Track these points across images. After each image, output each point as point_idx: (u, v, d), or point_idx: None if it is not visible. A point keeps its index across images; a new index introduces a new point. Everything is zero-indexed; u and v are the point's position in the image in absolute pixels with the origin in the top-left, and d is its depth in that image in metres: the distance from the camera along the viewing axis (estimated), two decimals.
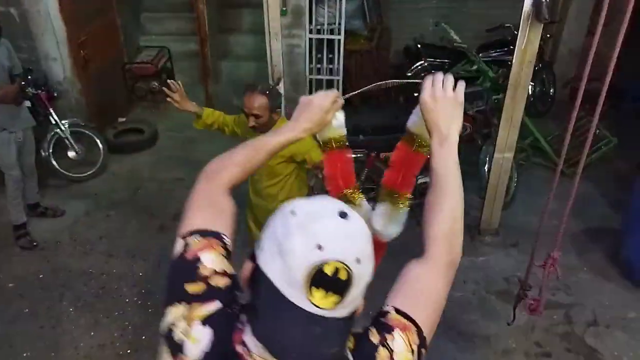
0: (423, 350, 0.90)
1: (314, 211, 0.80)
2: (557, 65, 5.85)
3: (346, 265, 0.75)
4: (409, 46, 5.76)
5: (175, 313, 0.84)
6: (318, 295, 0.74)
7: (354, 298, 0.79)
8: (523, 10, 2.91)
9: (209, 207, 1.02)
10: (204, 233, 0.93)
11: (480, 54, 5.15)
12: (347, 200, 1.43)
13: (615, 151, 4.69)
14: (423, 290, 0.98)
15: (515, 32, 5.17)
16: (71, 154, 4.55)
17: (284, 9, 4.53)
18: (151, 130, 5.32)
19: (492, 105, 3.97)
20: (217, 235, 0.94)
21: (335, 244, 0.75)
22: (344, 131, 1.44)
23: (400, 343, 0.87)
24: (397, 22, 6.09)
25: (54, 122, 4.35)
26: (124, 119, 5.61)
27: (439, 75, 1.17)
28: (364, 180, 3.80)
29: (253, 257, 0.81)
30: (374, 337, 0.87)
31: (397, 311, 0.92)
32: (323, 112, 1.26)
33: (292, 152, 2.55)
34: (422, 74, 5.47)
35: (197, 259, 0.88)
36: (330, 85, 5.06)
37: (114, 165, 4.90)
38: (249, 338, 0.79)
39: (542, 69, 5.41)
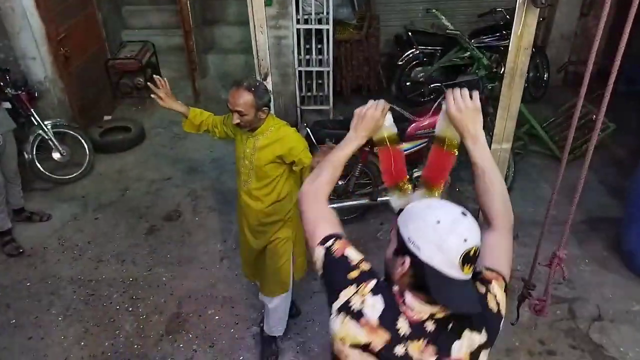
0: (507, 291, 1.34)
1: (452, 219, 1.18)
2: (549, 49, 5.76)
3: (477, 246, 1.17)
4: (399, 34, 5.64)
5: (347, 294, 1.23)
6: (466, 269, 1.17)
7: None
8: None
9: (327, 219, 1.41)
10: (337, 237, 1.33)
11: (473, 40, 5.04)
12: (400, 189, 1.69)
13: (612, 137, 4.62)
14: (501, 251, 1.39)
15: (508, 17, 5.16)
16: (56, 155, 4.40)
17: None
18: (138, 128, 5.17)
19: (487, 94, 3.87)
20: (343, 236, 1.35)
21: (471, 235, 1.17)
22: (395, 129, 1.68)
23: (497, 289, 1.29)
24: (385, 10, 5.94)
25: (36, 123, 4.20)
26: (109, 117, 5.45)
27: (458, 91, 1.50)
28: (358, 175, 3.71)
29: (408, 254, 1.19)
30: (481, 289, 1.28)
31: (488, 269, 1.32)
32: (375, 120, 1.58)
33: (282, 153, 2.45)
34: (414, 62, 5.37)
35: (345, 256, 1.29)
36: (320, 76, 4.94)
37: (100, 166, 4.75)
38: (409, 299, 1.21)
39: (535, 54, 5.30)
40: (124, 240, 3.85)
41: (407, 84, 5.33)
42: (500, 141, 3.25)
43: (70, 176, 4.49)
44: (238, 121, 2.38)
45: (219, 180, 4.60)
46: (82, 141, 4.57)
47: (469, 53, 4.95)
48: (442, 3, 5.87)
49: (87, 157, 4.58)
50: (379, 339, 1.19)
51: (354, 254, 1.30)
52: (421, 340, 1.19)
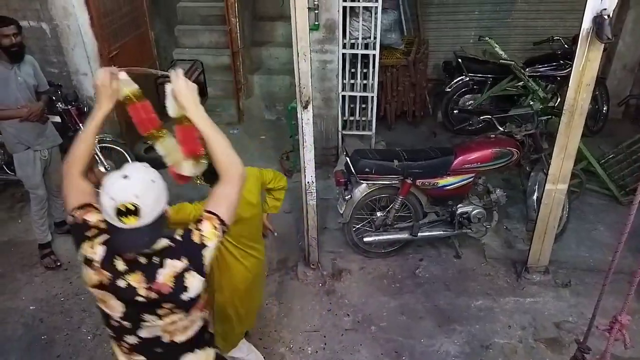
0: (224, 227, 1.63)
1: (111, 182, 1.48)
2: (610, 80, 5.42)
3: (129, 202, 1.44)
4: (448, 60, 5.48)
5: (85, 248, 1.60)
6: (125, 219, 1.45)
7: (150, 211, 1.48)
8: (582, 28, 2.59)
9: (77, 189, 1.72)
10: (82, 206, 1.67)
11: (528, 69, 4.81)
12: (155, 137, 1.94)
13: None
14: (221, 197, 1.66)
15: (566, 46, 4.90)
16: (101, 169, 4.48)
17: (316, 23, 4.35)
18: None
19: (542, 129, 3.64)
20: (89, 205, 1.67)
21: (121, 194, 1.45)
22: (134, 85, 1.88)
23: (207, 225, 1.59)
24: (435, 35, 5.80)
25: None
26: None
27: (175, 74, 1.75)
28: (399, 208, 3.54)
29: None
30: (192, 226, 1.60)
31: (206, 211, 1.62)
32: (107, 87, 1.79)
33: (179, 220, 2.11)
34: (464, 90, 5.18)
35: (85, 219, 1.64)
36: (363, 101, 4.83)
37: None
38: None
39: (594, 85, 5.00)
40: None
41: (455, 112, 5.14)
42: (556, 181, 3.02)
43: None
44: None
45: None
46: (127, 157, 4.64)
47: (522, 83, 4.71)
48: (495, 29, 5.69)
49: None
50: (105, 277, 1.56)
51: (92, 217, 1.63)
52: (137, 272, 1.54)
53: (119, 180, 1.47)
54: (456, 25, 5.81)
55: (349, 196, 3.49)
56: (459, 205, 3.56)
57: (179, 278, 1.55)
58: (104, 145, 4.47)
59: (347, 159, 3.44)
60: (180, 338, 1.69)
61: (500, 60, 4.78)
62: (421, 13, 5.69)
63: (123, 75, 1.84)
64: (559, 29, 5.38)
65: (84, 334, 3.22)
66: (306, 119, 3.09)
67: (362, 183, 3.47)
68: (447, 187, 3.45)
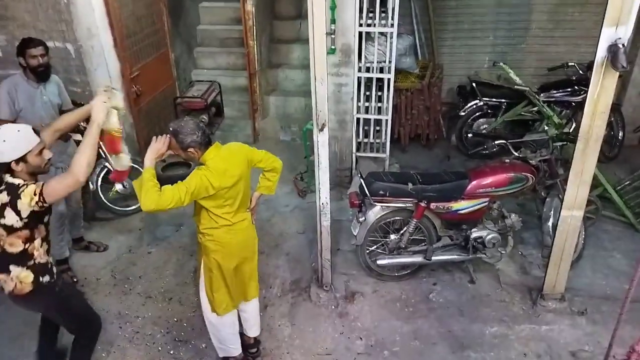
0: (42, 197, 2.23)
1: None
2: (625, 107, 5.42)
3: None
4: (462, 84, 5.53)
5: None
6: None
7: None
8: (597, 56, 2.62)
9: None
10: None
11: (542, 95, 4.83)
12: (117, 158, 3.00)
13: None
14: (57, 180, 2.28)
15: (581, 72, 4.93)
16: (119, 187, 4.56)
17: (333, 47, 4.44)
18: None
19: (557, 154, 3.64)
20: None
21: None
22: (118, 126, 2.79)
23: (33, 188, 2.25)
24: (450, 59, 5.87)
25: (103, 155, 4.39)
26: (172, 153, 5.64)
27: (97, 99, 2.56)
28: (412, 232, 3.55)
29: None
30: (28, 183, 2.28)
31: (43, 183, 2.28)
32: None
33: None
34: (478, 114, 5.21)
35: None
36: (378, 124, 4.88)
37: None
38: None
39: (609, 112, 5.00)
40: (173, 278, 3.88)
41: (469, 135, 5.16)
42: (572, 208, 3.01)
43: (130, 208, 4.64)
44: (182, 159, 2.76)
45: (270, 222, 4.59)
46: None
47: (537, 108, 4.73)
48: (509, 54, 5.75)
49: None
50: None
51: None
52: None
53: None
54: (470, 50, 5.88)
55: (363, 218, 3.51)
56: (473, 230, 3.55)
57: (1, 207, 2.23)
58: None
59: (362, 181, 3.47)
60: (8, 250, 2.33)
61: (515, 86, 4.81)
62: (436, 38, 5.77)
63: (114, 116, 2.71)
64: (573, 55, 5.41)
65: (99, 350, 3.21)
66: (322, 142, 3.14)
67: (376, 205, 3.49)
68: (461, 211, 3.45)
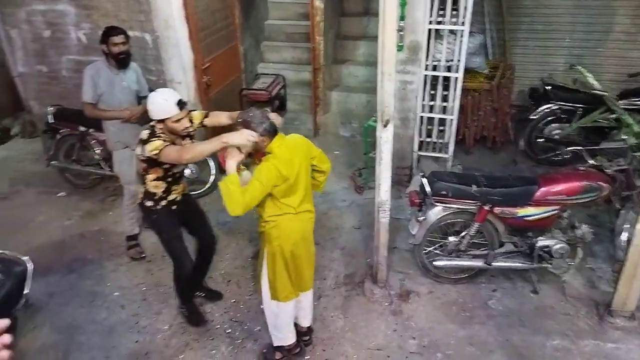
0: (158, 154, 2.79)
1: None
2: None
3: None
4: (535, 87, 5.30)
5: None
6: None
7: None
8: None
9: None
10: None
11: (621, 102, 4.54)
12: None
13: None
14: (170, 151, 2.77)
15: None
16: (187, 171, 4.77)
17: (400, 44, 4.39)
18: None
19: (636, 165, 3.42)
20: None
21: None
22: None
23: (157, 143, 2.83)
24: (522, 60, 5.66)
25: (212, 170, 4.61)
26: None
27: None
28: (473, 235, 3.46)
29: None
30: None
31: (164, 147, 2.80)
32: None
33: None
34: (550, 118, 4.99)
35: None
36: (442, 123, 4.78)
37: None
38: None
39: None
40: (232, 261, 4.01)
41: (539, 140, 4.94)
42: None
43: (196, 192, 4.83)
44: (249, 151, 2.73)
45: (327, 215, 4.62)
46: (208, 161, 4.92)
47: (615, 115, 4.46)
48: (587, 58, 5.46)
49: (212, 176, 4.92)
50: None
51: None
52: None
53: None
54: (545, 52, 5.63)
55: (423, 218, 3.46)
56: (539, 238, 3.40)
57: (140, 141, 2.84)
58: None
59: (424, 179, 3.42)
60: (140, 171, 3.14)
61: (593, 91, 4.56)
62: (508, 38, 5.58)
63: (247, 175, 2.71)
64: None
65: (161, 323, 3.42)
66: (385, 137, 3.13)
67: (437, 206, 3.42)
68: (528, 218, 3.31)
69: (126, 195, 4.02)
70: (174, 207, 3.12)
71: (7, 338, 0.89)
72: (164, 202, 3.06)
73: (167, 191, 3.05)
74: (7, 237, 4.32)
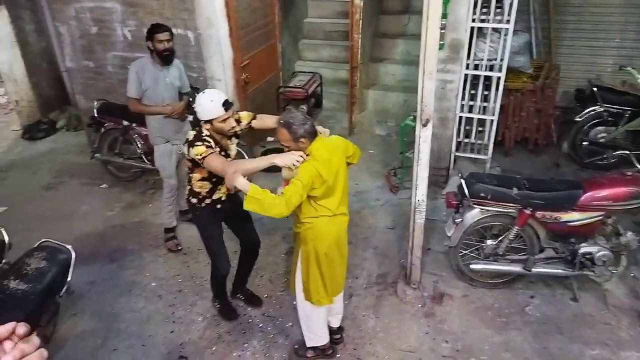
0: (202, 160, 2.78)
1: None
2: None
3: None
4: (581, 88, 5.11)
5: None
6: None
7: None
8: None
9: None
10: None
11: None
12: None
13: None
14: (213, 159, 2.74)
15: None
16: None
17: (441, 42, 4.31)
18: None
19: None
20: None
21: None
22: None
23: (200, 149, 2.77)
24: (568, 60, 5.46)
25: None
26: (272, 139, 5.87)
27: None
28: (512, 239, 3.36)
29: None
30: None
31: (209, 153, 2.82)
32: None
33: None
34: (596, 121, 4.80)
35: None
36: (481, 124, 4.67)
37: (258, 182, 4.99)
38: None
39: None
40: (265, 257, 4.05)
41: (584, 143, 4.76)
42: None
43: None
44: (286, 150, 2.68)
45: (360, 214, 4.60)
46: (245, 157, 4.98)
47: None
48: (638, 59, 5.20)
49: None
50: None
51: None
52: None
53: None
54: (592, 52, 5.42)
55: (460, 220, 3.39)
56: (582, 245, 3.28)
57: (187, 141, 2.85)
58: None
59: (462, 181, 3.35)
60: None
61: None
62: (554, 37, 5.40)
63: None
64: None
65: (196, 314, 3.49)
66: (424, 137, 3.08)
67: (475, 208, 3.35)
68: (571, 223, 3.20)
69: (165, 189, 4.12)
70: (218, 207, 3.12)
71: (35, 341, 0.87)
72: (207, 201, 3.08)
73: (212, 191, 3.06)
74: (52, 226, 4.53)
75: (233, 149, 3.07)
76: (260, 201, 2.47)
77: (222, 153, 2.92)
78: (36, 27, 6.57)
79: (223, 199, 3.12)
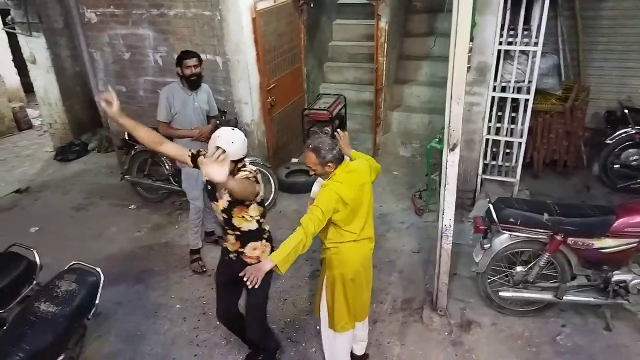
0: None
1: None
2: None
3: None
4: (612, 110, 4.99)
5: None
6: None
7: (232, 154, 2.49)
8: None
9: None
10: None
11: None
12: None
13: None
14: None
15: None
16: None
17: (468, 65, 4.29)
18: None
19: None
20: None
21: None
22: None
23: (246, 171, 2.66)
24: (598, 82, 5.35)
25: None
26: (296, 160, 5.92)
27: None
28: (542, 266, 3.27)
29: None
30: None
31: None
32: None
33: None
34: (628, 143, 4.67)
35: None
36: (509, 146, 4.60)
37: (282, 203, 5.13)
38: None
39: None
40: (289, 280, 4.04)
41: (616, 166, 4.63)
42: None
43: None
44: (312, 173, 2.71)
45: (385, 237, 4.56)
46: (271, 179, 5.03)
47: None
48: None
49: (273, 194, 5.02)
50: None
51: None
52: None
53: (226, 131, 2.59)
54: (623, 73, 5.30)
55: (488, 245, 3.31)
56: (615, 272, 3.16)
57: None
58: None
59: (490, 205, 3.28)
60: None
61: None
62: (583, 58, 5.31)
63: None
64: None
65: (219, 338, 3.49)
66: (451, 161, 3.06)
67: (504, 233, 3.27)
68: (604, 250, 3.09)
69: (192, 210, 4.18)
70: (224, 257, 2.89)
71: None
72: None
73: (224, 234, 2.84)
74: (82, 247, 4.63)
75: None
76: (287, 256, 2.40)
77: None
78: (71, 52, 6.85)
79: (229, 249, 2.84)
